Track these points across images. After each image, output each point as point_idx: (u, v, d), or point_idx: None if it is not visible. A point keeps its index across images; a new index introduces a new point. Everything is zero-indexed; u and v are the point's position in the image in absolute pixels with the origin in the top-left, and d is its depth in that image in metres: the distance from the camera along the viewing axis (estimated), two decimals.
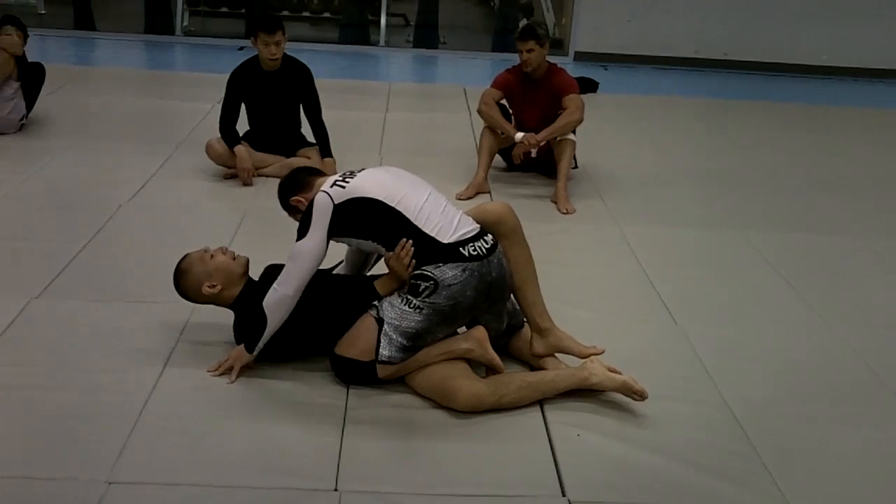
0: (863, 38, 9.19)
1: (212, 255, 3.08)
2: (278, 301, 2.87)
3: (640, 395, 2.84)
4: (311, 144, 5.10)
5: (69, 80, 6.95)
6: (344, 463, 2.53)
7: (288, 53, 5.00)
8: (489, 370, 2.92)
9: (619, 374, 2.89)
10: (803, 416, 2.92)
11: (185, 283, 3.10)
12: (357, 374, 2.92)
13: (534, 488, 2.49)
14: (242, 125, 5.06)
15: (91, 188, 4.65)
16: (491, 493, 2.46)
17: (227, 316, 3.14)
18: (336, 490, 2.43)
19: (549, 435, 2.72)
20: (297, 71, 5.00)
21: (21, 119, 5.48)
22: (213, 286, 3.05)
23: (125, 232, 4.13)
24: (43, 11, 10.19)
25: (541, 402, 2.87)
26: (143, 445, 2.56)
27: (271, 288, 2.90)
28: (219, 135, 4.97)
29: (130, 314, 3.32)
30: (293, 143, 5.10)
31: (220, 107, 5.02)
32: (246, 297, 3.01)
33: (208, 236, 4.06)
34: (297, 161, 4.93)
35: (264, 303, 2.89)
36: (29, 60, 5.55)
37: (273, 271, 3.01)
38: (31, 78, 5.52)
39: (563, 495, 2.47)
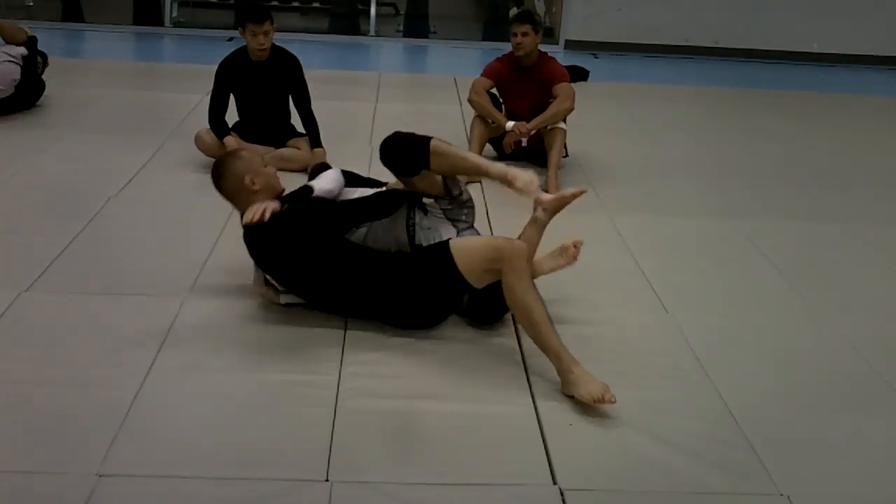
0: (854, 26, 9.21)
1: (265, 165, 3.34)
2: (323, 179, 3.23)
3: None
4: (301, 135, 5.09)
5: (58, 73, 6.89)
6: (335, 454, 2.53)
7: (277, 44, 4.98)
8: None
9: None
10: (796, 406, 2.91)
11: (233, 164, 3.28)
12: (410, 154, 3.11)
13: (524, 477, 2.49)
14: (232, 116, 5.05)
15: (80, 181, 4.63)
16: (481, 482, 2.45)
17: (220, 304, 3.13)
18: (327, 481, 2.42)
19: (540, 425, 2.72)
20: (285, 61, 4.99)
21: (14, 82, 5.53)
22: (254, 184, 3.21)
23: (115, 224, 4.12)
24: (31, 3, 10.14)
25: (532, 393, 2.88)
26: (133, 438, 2.55)
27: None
28: (208, 126, 4.95)
29: (120, 307, 3.31)
30: (283, 134, 5.08)
31: (209, 98, 5.00)
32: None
33: (197, 228, 4.07)
34: (287, 152, 4.93)
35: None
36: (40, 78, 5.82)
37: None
38: (32, 86, 5.72)
39: (555, 483, 2.47)
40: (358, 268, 3.13)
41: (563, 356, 2.85)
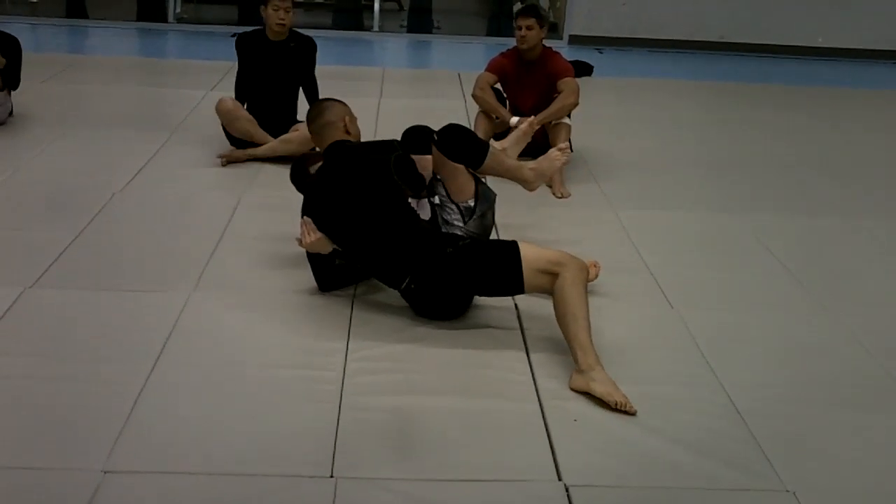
0: (859, 20, 9.18)
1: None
2: None
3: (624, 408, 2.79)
4: (302, 121, 5.11)
5: (62, 69, 6.92)
6: (339, 449, 2.53)
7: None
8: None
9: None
10: (801, 401, 2.91)
11: (338, 104, 3.56)
12: (469, 146, 3.45)
13: (530, 473, 2.48)
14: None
15: (84, 177, 4.62)
16: (487, 478, 2.45)
17: (224, 299, 3.12)
18: (332, 477, 2.42)
19: (545, 421, 2.72)
20: (302, 42, 5.10)
21: (9, 113, 5.40)
22: (348, 128, 3.49)
23: (119, 221, 4.11)
24: (35, 0, 10.14)
25: (537, 389, 2.88)
26: (138, 434, 2.56)
27: None
28: (230, 94, 5.07)
29: (125, 303, 3.31)
30: (287, 122, 5.08)
31: (213, 94, 5.03)
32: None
33: (202, 224, 4.07)
34: (286, 135, 4.93)
35: None
36: None
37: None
38: (5, 53, 5.22)
39: (560, 480, 2.46)
40: (414, 235, 3.23)
41: (591, 353, 2.88)
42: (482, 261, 3.13)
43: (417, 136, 3.57)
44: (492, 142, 3.96)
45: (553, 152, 3.84)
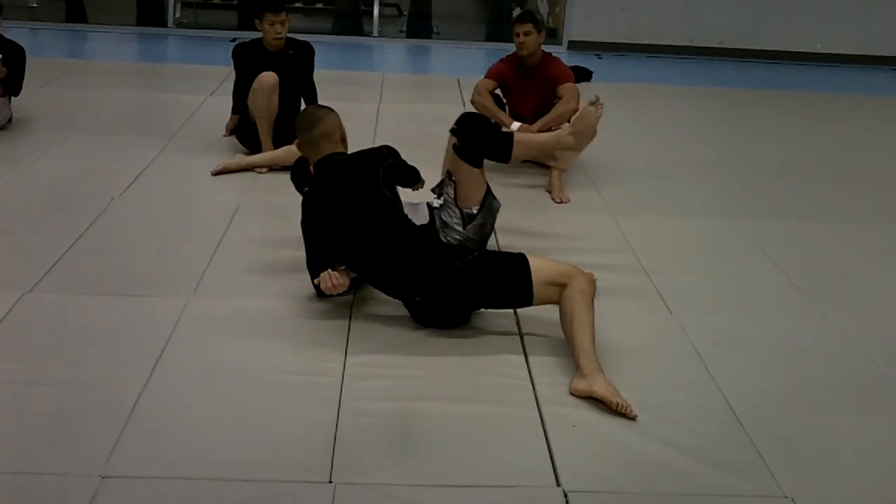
0: (858, 26, 9.19)
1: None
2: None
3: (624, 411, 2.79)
4: None
5: (61, 74, 6.92)
6: (338, 455, 2.52)
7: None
8: None
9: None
10: (800, 406, 2.91)
11: (334, 114, 3.46)
12: (491, 144, 3.38)
13: (528, 479, 2.48)
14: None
15: (83, 182, 4.62)
16: (485, 483, 2.45)
17: (223, 305, 3.11)
18: (330, 482, 2.42)
19: (544, 426, 2.71)
20: (299, 49, 5.13)
21: (8, 120, 5.38)
22: (343, 137, 3.44)
23: (118, 225, 4.11)
24: (34, 4, 10.14)
25: (535, 394, 2.88)
26: (136, 439, 2.55)
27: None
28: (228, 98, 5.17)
29: (123, 308, 3.31)
30: (290, 130, 5.07)
31: (212, 99, 5.02)
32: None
33: (201, 229, 4.07)
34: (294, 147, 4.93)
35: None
36: (5, 38, 5.29)
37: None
38: (9, 61, 5.19)
39: (558, 485, 2.46)
40: (417, 248, 3.19)
41: (594, 359, 2.89)
42: (492, 275, 3.11)
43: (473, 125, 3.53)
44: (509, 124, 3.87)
45: (586, 108, 3.68)
